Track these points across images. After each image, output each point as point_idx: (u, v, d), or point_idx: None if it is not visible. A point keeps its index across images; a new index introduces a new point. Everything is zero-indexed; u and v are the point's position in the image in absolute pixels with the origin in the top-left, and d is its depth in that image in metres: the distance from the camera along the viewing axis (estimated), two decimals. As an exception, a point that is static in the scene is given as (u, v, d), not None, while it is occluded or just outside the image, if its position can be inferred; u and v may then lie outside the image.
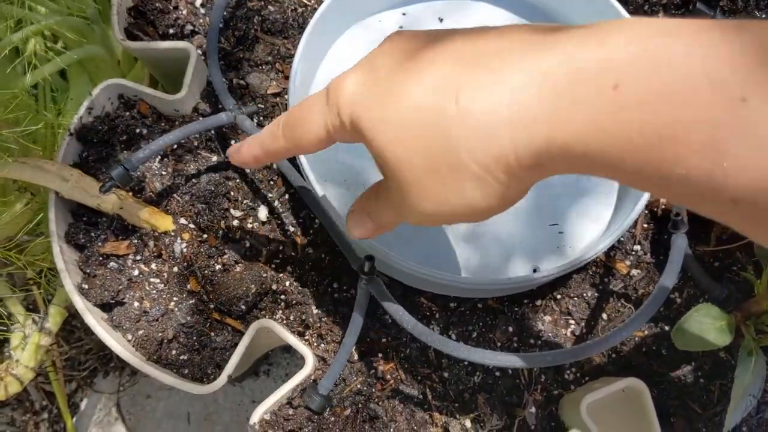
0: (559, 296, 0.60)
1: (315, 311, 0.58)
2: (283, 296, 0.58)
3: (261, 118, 0.64)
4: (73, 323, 0.98)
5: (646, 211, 0.62)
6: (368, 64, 0.34)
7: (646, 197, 0.56)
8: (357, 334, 0.52)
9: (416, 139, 0.31)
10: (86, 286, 0.55)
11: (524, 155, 0.28)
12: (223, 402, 0.98)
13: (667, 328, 0.59)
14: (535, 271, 0.58)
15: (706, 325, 0.51)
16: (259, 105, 0.64)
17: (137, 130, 0.60)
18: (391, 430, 0.55)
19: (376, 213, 0.39)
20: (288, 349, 0.99)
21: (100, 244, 0.57)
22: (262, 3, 0.67)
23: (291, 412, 0.53)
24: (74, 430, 0.95)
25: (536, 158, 0.28)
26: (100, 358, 0.99)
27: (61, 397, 0.92)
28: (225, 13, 0.66)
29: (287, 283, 0.59)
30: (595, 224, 0.61)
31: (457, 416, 0.55)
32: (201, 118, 0.60)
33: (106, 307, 0.56)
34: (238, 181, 0.61)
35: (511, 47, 0.29)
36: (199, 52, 0.63)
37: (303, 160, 0.56)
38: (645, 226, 0.62)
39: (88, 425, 0.97)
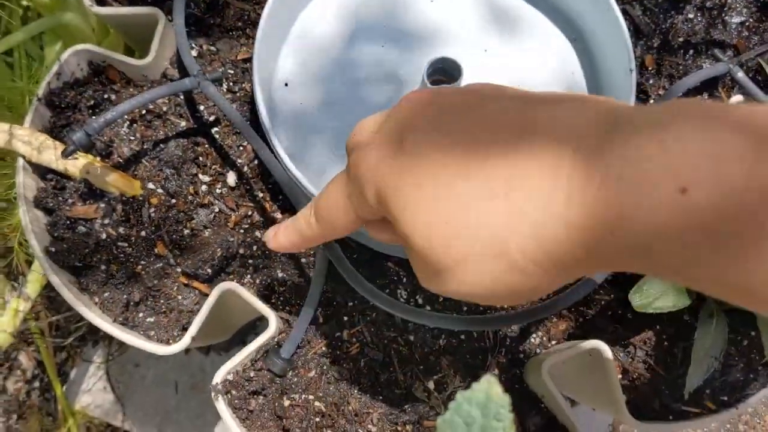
0: (526, 261, 0.60)
1: (281, 275, 0.58)
2: (250, 260, 0.59)
3: (231, 83, 0.64)
4: (62, 293, 0.99)
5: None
6: (391, 133, 0.32)
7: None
8: (317, 298, 0.53)
9: (454, 228, 0.29)
10: (54, 249, 0.56)
11: (581, 256, 0.27)
12: (210, 371, 0.99)
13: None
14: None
15: (666, 286, 0.51)
16: (229, 71, 0.64)
17: (105, 96, 0.60)
18: (355, 391, 0.55)
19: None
20: (275, 319, 1.00)
21: (68, 208, 0.57)
22: (235, -31, 0.67)
23: (253, 374, 0.54)
24: (64, 398, 0.96)
25: (594, 259, 0.27)
26: (89, 326, 1.00)
27: (50, 366, 0.94)
28: (196, -21, 0.66)
29: (254, 248, 0.59)
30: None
31: (421, 378, 0.56)
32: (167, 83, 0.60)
33: (73, 270, 0.57)
34: (207, 146, 0.61)
35: (573, 125, 0.27)
36: (169, 17, 0.63)
37: (267, 125, 0.56)
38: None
39: (78, 393, 0.98)
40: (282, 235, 0.41)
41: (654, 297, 0.50)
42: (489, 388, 0.32)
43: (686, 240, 0.23)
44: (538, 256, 0.27)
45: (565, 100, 0.30)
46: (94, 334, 1.01)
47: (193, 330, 0.53)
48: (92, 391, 0.99)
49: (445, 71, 0.61)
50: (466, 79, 0.59)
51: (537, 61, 0.65)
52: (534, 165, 0.27)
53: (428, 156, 0.30)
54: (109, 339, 1.01)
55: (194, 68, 0.57)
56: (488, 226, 0.28)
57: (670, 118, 0.24)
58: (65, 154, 0.52)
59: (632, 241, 0.25)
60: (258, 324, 1.01)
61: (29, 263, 0.73)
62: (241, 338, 1.00)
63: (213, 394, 0.52)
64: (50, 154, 0.56)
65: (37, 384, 1.01)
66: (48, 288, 0.84)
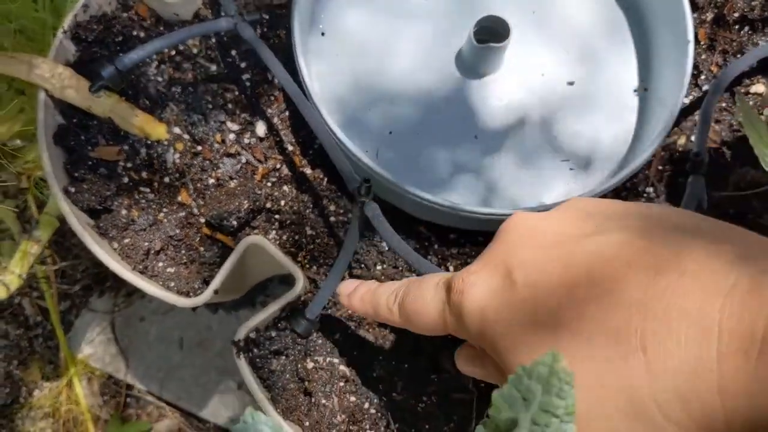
0: (564, 234, 0.57)
1: (309, 232, 0.56)
2: (277, 215, 0.56)
3: (265, 29, 0.60)
4: (72, 240, 0.97)
5: (664, 153, 0.59)
6: (502, 266, 0.30)
7: (662, 137, 0.53)
8: (349, 259, 0.50)
9: (587, 392, 0.26)
10: (73, 189, 0.53)
11: (738, 426, 0.23)
12: (217, 329, 0.97)
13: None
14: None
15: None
16: (264, 16, 0.60)
17: (134, 33, 0.57)
18: (380, 357, 0.53)
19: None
20: (286, 280, 0.98)
21: (89, 148, 0.54)
22: None
23: (276, 333, 0.51)
24: (66, 347, 0.94)
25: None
26: (95, 276, 0.97)
27: (54, 312, 0.92)
28: None
29: (282, 203, 0.56)
30: (607, 162, 0.58)
31: (450, 348, 0.54)
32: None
33: (92, 213, 0.54)
34: (236, 93, 0.58)
35: (713, 275, 0.24)
36: (204, -45, 0.60)
37: (304, 73, 0.53)
38: (660, 167, 0.59)
39: (81, 343, 0.96)
40: (357, 300, 0.40)
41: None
42: (553, 361, 0.30)
43: None
44: (683, 420, 0.24)
45: (717, 232, 0.27)
46: (101, 284, 0.98)
47: (216, 283, 0.51)
48: (95, 342, 0.97)
49: (492, 30, 0.58)
50: (512, 41, 0.56)
51: (584, 27, 0.62)
52: (675, 313, 0.24)
53: (544, 305, 0.27)
54: (116, 290, 0.98)
55: (232, 9, 0.54)
56: (627, 389, 0.25)
57: None
58: (93, 89, 0.49)
59: None
60: (268, 285, 0.98)
61: (41, 206, 0.71)
62: (251, 299, 0.98)
63: (235, 351, 0.49)
64: (74, 90, 0.53)
65: (39, 331, 0.98)
66: (56, 233, 0.82)
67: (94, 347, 0.97)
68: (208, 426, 0.95)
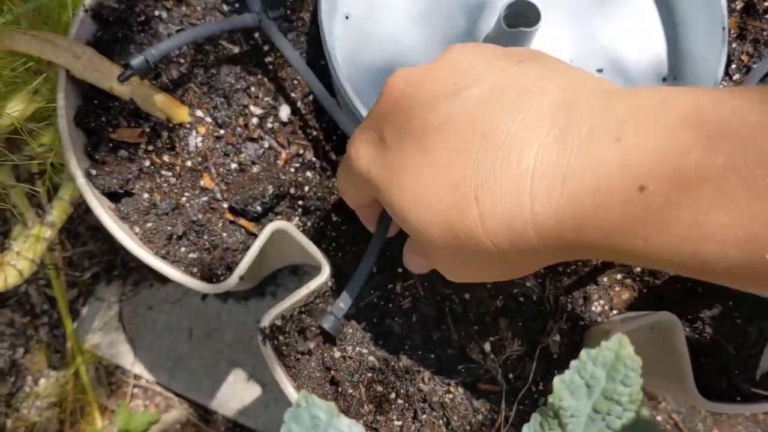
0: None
1: (335, 219, 0.54)
2: (301, 201, 0.55)
3: (288, 12, 0.59)
4: (78, 227, 0.96)
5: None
6: (379, 130, 0.35)
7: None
8: (376, 255, 0.48)
9: (437, 225, 0.32)
10: (94, 172, 0.52)
11: (548, 246, 0.30)
12: (226, 320, 0.96)
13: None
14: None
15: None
16: (287, 10, 0.59)
17: (156, 13, 0.56)
18: (406, 347, 0.52)
19: (419, 257, 0.44)
20: (296, 271, 0.97)
21: (110, 129, 0.53)
22: None
23: (302, 321, 0.50)
24: (74, 336, 0.93)
25: (556, 251, 0.30)
26: (104, 264, 0.96)
27: (62, 299, 0.91)
28: None
29: (306, 189, 0.55)
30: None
31: (477, 339, 0.53)
32: (226, 16, 0.56)
33: (113, 196, 0.53)
34: (260, 76, 0.57)
35: (532, 129, 0.29)
36: (227, -66, 0.59)
37: (333, 58, 0.52)
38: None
39: (88, 332, 0.95)
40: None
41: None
42: (619, 347, 0.29)
43: (639, 228, 0.27)
44: (505, 245, 0.31)
45: (547, 68, 0.33)
46: (109, 272, 0.97)
47: (242, 269, 0.49)
48: (102, 332, 0.95)
49: (521, 15, 0.56)
50: (541, 26, 0.55)
51: (613, 13, 0.61)
52: (499, 166, 0.30)
53: (408, 164, 0.33)
54: (124, 278, 0.97)
55: (256, 5, 0.53)
56: (465, 230, 0.32)
57: (628, 114, 0.27)
58: (122, 78, 0.48)
59: (591, 239, 0.28)
60: (278, 275, 0.97)
61: (54, 190, 0.69)
62: (261, 288, 0.97)
63: (260, 338, 0.48)
64: (96, 70, 0.52)
65: (45, 319, 0.97)
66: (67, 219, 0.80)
67: (101, 336, 0.95)
68: (217, 417, 0.93)
